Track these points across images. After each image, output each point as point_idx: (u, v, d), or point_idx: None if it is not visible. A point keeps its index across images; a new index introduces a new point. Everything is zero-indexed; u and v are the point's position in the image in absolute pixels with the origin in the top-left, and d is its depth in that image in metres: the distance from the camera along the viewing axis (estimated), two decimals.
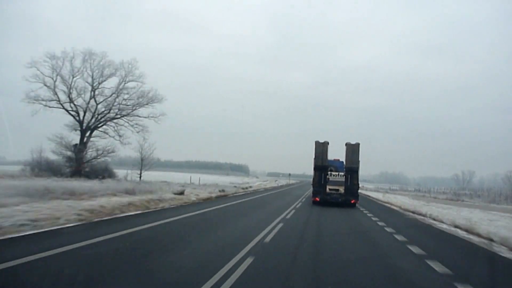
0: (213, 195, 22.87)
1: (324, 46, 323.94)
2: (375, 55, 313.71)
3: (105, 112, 33.44)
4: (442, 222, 15.19)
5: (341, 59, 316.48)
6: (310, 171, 22.74)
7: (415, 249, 8.32)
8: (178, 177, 50.45)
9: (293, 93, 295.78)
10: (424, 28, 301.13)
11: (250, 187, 41.78)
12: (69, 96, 32.00)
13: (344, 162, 21.66)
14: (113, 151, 33.05)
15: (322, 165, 21.38)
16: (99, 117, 33.20)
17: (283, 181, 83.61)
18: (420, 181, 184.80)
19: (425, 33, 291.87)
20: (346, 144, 21.48)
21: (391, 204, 27.25)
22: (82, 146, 31.39)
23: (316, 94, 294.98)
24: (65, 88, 31.77)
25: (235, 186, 36.95)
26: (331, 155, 22.60)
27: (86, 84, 32.78)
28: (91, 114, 32.69)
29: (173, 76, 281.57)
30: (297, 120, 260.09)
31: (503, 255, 8.53)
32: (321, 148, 21.49)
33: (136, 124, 33.93)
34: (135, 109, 33.96)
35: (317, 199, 21.07)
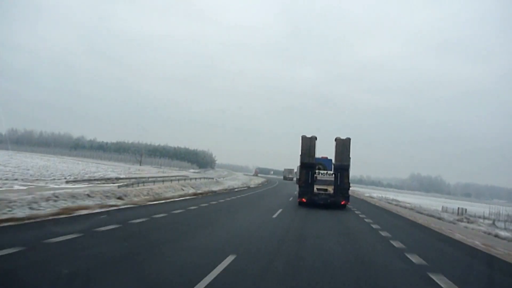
0: None
1: (337, 40, 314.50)
2: (392, 51, 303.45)
3: None
4: None
5: (355, 54, 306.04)
6: None
7: None
8: None
9: (302, 90, 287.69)
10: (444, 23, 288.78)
11: None
12: None
13: (334, 160, 19.76)
14: None
15: (309, 162, 19.57)
16: None
17: (238, 181, 48.17)
18: (468, 189, 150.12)
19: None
20: (335, 140, 19.68)
21: None
22: None
23: (326, 92, 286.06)
24: None
25: None
26: (326, 153, 20.72)
27: None
28: None
29: (175, 65, 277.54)
30: (303, 118, 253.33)
31: None
32: (308, 144, 19.65)
33: None
34: None
35: (304, 199, 19.36)
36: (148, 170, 72.16)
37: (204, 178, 41.45)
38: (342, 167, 19.39)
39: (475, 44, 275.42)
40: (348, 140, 19.57)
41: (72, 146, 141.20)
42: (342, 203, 19.32)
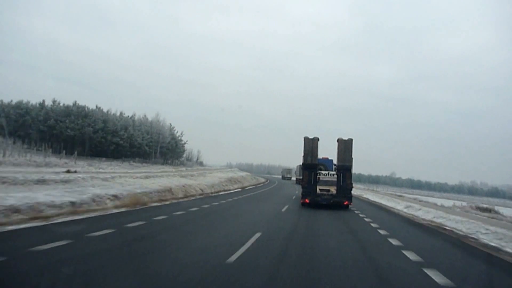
0: None
1: (415, 34, 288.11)
2: (479, 43, 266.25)
3: None
4: None
5: (435, 48, 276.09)
6: None
7: None
8: None
9: (375, 89, 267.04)
10: None
11: None
12: None
13: (336, 160, 19.80)
14: None
15: (312, 163, 19.82)
16: None
17: None
18: None
19: None
20: (338, 140, 19.79)
21: None
22: None
23: (403, 91, 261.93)
24: None
25: None
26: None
27: None
28: None
29: (238, 65, 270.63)
30: (378, 119, 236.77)
31: None
32: (311, 145, 19.96)
33: None
34: None
35: (307, 200, 19.62)
36: None
37: None
38: (344, 167, 19.34)
39: None
40: (350, 141, 19.49)
41: None
42: (345, 203, 19.30)
